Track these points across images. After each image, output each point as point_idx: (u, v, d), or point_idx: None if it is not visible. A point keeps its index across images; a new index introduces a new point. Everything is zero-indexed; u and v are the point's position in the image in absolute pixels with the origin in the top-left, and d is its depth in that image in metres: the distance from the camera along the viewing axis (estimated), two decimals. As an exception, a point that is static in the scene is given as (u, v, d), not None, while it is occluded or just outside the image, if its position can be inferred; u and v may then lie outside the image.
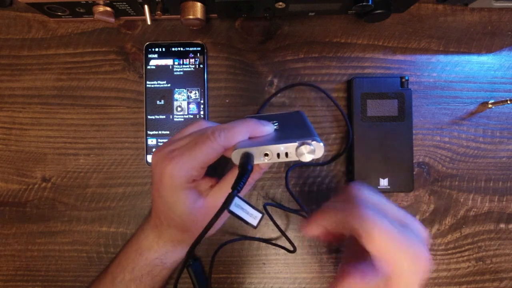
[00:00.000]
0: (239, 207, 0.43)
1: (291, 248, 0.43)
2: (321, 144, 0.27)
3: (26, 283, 0.45)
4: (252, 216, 0.43)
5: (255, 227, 0.43)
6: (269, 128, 0.30)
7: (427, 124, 0.46)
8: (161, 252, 0.35)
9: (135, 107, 0.46)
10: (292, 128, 0.32)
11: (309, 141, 0.26)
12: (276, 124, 0.33)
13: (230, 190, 0.31)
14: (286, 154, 0.27)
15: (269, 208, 0.44)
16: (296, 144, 0.26)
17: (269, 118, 0.36)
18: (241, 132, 0.29)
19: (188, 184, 0.31)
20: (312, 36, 0.46)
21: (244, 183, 0.26)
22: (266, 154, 0.27)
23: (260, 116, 0.38)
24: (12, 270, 0.45)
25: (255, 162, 0.27)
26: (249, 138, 0.30)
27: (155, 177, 0.32)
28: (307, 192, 0.46)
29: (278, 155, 0.27)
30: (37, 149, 0.46)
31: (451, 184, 0.46)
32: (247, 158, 0.27)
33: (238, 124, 0.30)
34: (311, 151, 0.26)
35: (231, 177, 0.32)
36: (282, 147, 0.27)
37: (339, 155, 0.46)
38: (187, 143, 0.30)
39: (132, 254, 0.36)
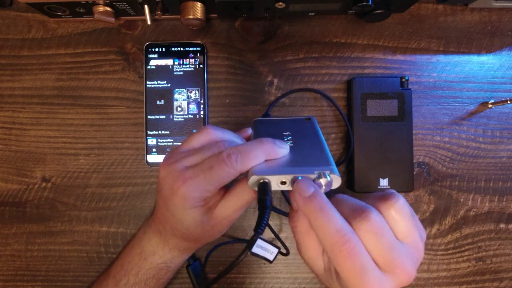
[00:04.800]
0: (258, 246, 0.44)
1: (285, 251, 0.43)
2: (339, 176, 0.26)
3: (26, 283, 0.45)
4: (269, 251, 0.44)
5: (271, 262, 0.44)
6: (285, 151, 0.30)
7: (427, 124, 0.46)
8: (166, 257, 0.35)
9: (135, 107, 0.46)
10: (307, 147, 0.31)
11: (327, 172, 0.26)
12: (290, 138, 0.32)
13: (237, 203, 0.31)
14: None
15: None
16: (314, 175, 0.26)
17: (278, 124, 0.35)
18: (258, 156, 0.28)
19: (200, 203, 0.31)
20: (312, 36, 0.46)
21: (266, 224, 0.26)
22: (283, 182, 0.27)
23: (269, 120, 0.38)
24: (12, 270, 0.45)
25: (272, 188, 0.27)
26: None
27: (164, 192, 0.31)
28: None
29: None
30: (37, 149, 0.46)
31: (451, 184, 0.46)
32: (265, 190, 0.26)
33: (255, 148, 0.29)
34: (328, 183, 0.26)
35: (239, 188, 0.31)
36: (300, 177, 0.26)
37: (340, 163, 0.46)
38: (201, 164, 0.30)
39: (136, 257, 0.36)
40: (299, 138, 0.32)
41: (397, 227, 0.26)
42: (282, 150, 0.29)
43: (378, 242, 0.24)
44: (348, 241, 0.23)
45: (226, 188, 0.32)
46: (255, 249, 0.44)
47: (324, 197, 0.26)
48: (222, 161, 0.28)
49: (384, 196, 0.26)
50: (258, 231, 0.25)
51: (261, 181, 0.27)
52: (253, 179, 0.27)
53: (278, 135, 0.33)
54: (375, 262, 0.24)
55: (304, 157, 0.29)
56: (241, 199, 0.31)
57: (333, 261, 0.24)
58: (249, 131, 0.36)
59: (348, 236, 0.24)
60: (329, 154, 0.29)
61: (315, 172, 0.26)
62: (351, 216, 0.25)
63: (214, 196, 0.32)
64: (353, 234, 0.24)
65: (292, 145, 0.31)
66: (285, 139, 0.32)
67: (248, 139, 0.35)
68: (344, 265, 0.24)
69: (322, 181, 0.26)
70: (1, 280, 0.45)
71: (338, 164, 0.46)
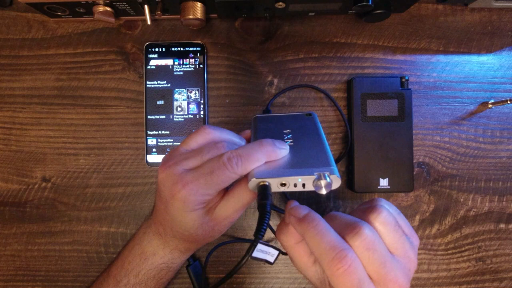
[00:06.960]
0: (259, 250, 0.44)
1: (285, 251, 0.43)
2: (339, 177, 0.26)
3: (26, 283, 0.45)
4: (270, 254, 0.44)
5: (272, 264, 0.44)
6: (284, 152, 0.30)
7: (427, 124, 0.46)
8: (167, 258, 0.35)
9: (135, 107, 0.46)
10: (307, 146, 0.31)
11: (327, 173, 0.26)
12: (290, 137, 0.32)
13: (237, 203, 0.31)
14: (303, 185, 0.27)
15: None
16: (314, 177, 0.26)
17: (279, 121, 0.35)
18: (258, 159, 0.28)
19: (200, 206, 0.30)
20: (312, 36, 0.46)
21: (266, 229, 0.26)
22: (283, 184, 0.27)
23: (270, 116, 0.37)
24: (12, 270, 0.45)
25: (272, 190, 0.27)
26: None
27: (164, 195, 0.31)
28: (306, 193, 0.46)
29: (295, 185, 0.27)
30: (37, 149, 0.46)
31: (451, 184, 0.46)
32: (265, 194, 0.26)
33: (255, 151, 0.29)
34: (328, 184, 0.26)
35: (239, 189, 0.31)
36: (300, 179, 0.26)
37: (338, 160, 0.46)
38: (202, 168, 0.29)
39: (136, 258, 0.36)
40: (300, 136, 0.32)
41: (386, 240, 0.26)
42: (282, 151, 0.29)
43: (371, 257, 0.24)
44: (345, 257, 0.24)
45: (226, 189, 0.32)
46: (255, 253, 0.44)
47: (318, 215, 0.26)
48: (223, 165, 0.28)
49: (368, 209, 0.26)
50: (258, 236, 0.25)
51: (261, 183, 0.27)
52: (253, 182, 0.27)
53: (278, 133, 0.32)
54: (369, 277, 0.25)
55: (304, 157, 0.29)
56: (241, 200, 0.31)
57: (329, 278, 0.24)
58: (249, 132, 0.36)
59: (345, 252, 0.24)
60: (329, 153, 0.29)
61: (315, 173, 0.26)
62: (344, 232, 0.25)
63: (214, 198, 0.32)
64: (350, 251, 0.24)
65: (292, 144, 0.31)
66: (285, 137, 0.32)
67: (248, 138, 0.35)
68: (341, 282, 0.24)
69: (322, 182, 0.26)
70: (1, 280, 0.45)
71: (337, 163, 0.46)
